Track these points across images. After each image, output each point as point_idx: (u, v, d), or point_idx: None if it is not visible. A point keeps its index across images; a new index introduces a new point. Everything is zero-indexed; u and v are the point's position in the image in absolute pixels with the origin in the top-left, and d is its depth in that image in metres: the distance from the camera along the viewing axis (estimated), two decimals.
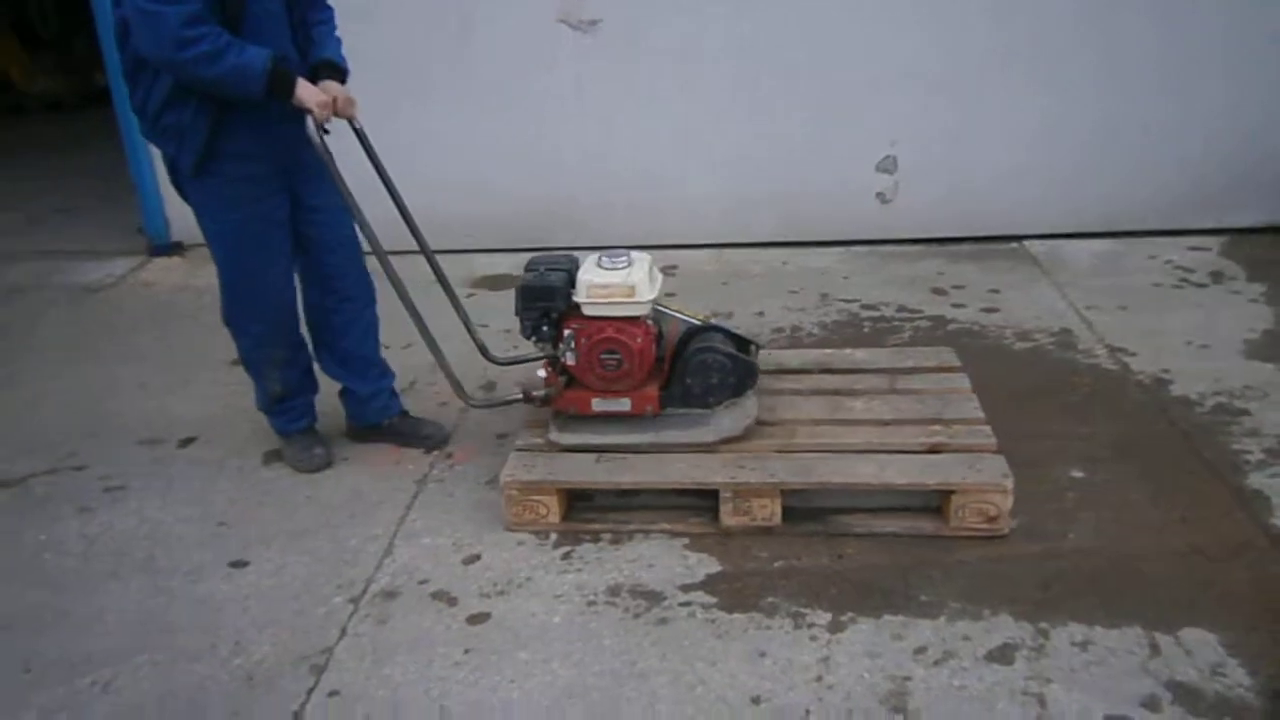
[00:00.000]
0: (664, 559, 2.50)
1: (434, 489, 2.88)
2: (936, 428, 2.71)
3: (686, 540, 2.57)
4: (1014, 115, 4.47)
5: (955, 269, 4.35)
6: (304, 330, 2.98)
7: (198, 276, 4.49)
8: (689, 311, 2.83)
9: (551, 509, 2.63)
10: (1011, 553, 2.45)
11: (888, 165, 4.59)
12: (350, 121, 2.72)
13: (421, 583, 2.47)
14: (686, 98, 4.58)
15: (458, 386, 2.82)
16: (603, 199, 4.73)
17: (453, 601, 2.39)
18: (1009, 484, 2.47)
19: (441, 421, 3.14)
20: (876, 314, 3.93)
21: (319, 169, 2.62)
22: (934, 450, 2.64)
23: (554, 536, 2.62)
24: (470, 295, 4.33)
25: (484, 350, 3.06)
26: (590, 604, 2.36)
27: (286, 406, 3.00)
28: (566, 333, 2.67)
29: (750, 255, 4.63)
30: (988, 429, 2.69)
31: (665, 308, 2.77)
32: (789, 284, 4.28)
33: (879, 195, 4.65)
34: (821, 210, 4.67)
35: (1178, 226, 4.55)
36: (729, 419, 2.73)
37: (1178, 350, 3.45)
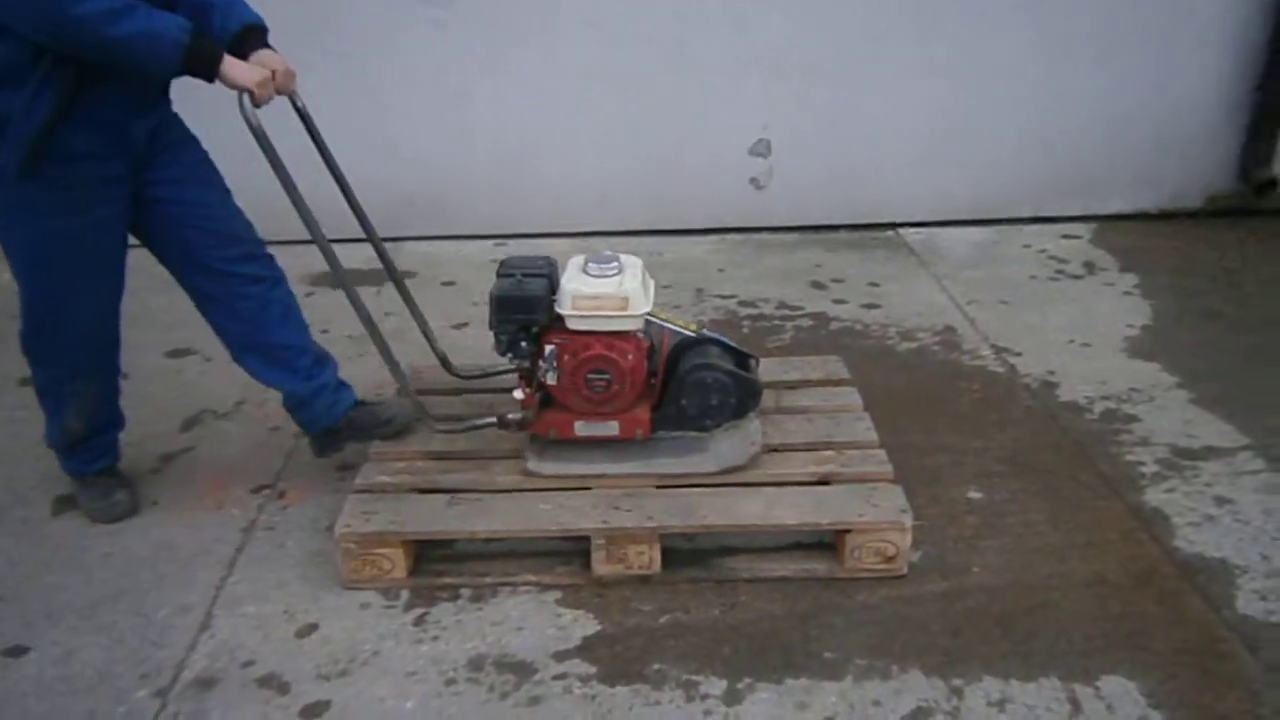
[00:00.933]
0: (534, 619, 2.19)
1: (261, 539, 2.47)
2: (828, 453, 2.48)
3: (558, 594, 2.26)
4: (887, 99, 4.29)
5: (834, 259, 4.16)
6: (118, 356, 2.51)
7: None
8: (679, 321, 2.49)
9: (397, 563, 2.27)
10: (916, 592, 2.25)
11: (761, 149, 4.35)
12: (291, 99, 2.29)
13: (246, 665, 2.07)
14: (548, 76, 4.22)
15: (420, 409, 2.43)
16: (462, 185, 4.34)
17: (284, 688, 2.01)
18: (908, 521, 2.25)
19: (393, 401, 2.66)
20: (756, 311, 3.69)
21: (180, 157, 2.28)
22: (825, 481, 2.40)
23: (404, 595, 2.26)
24: (309, 295, 3.86)
25: (445, 362, 2.69)
26: (449, 683, 2.02)
27: (86, 445, 2.52)
28: (548, 349, 2.31)
29: (620, 245, 4.25)
30: (882, 453, 2.48)
31: (654, 317, 2.41)
32: (662, 277, 3.91)
33: (753, 180, 4.40)
34: (694, 196, 4.40)
35: (1049, 214, 4.49)
36: (729, 445, 2.42)
37: (1061, 349, 3.35)
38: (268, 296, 2.47)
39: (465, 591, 2.27)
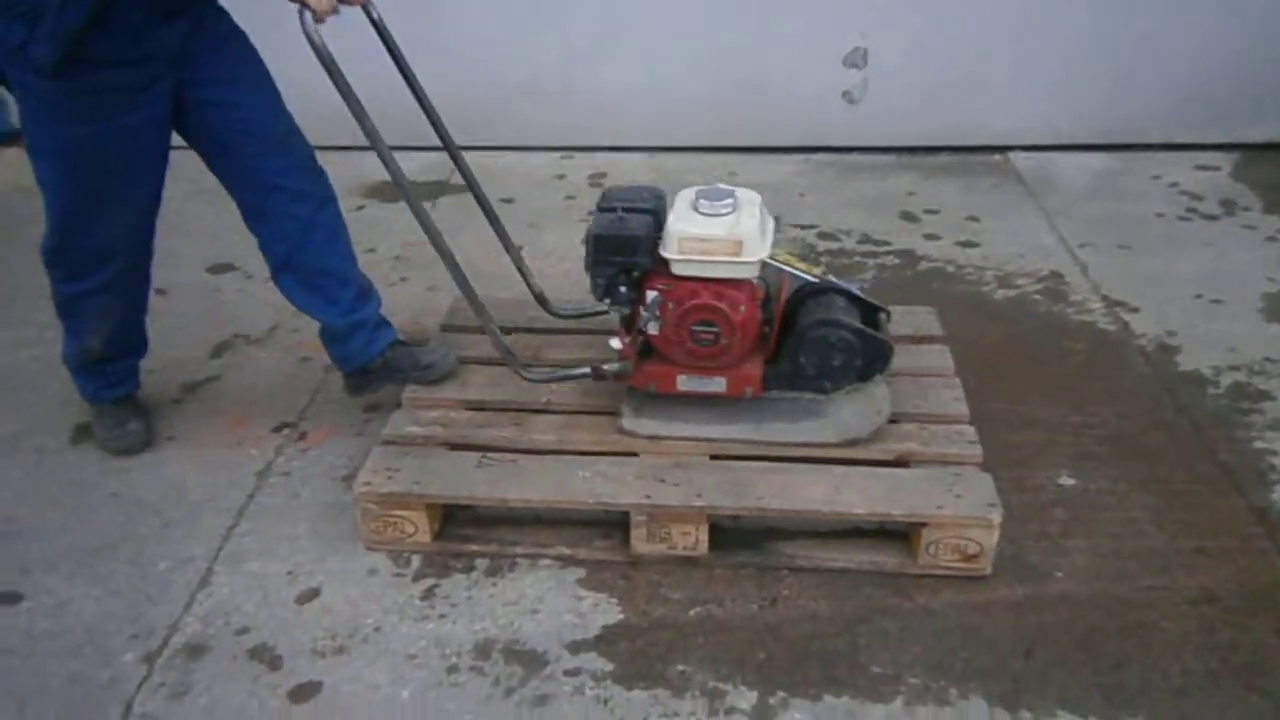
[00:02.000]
0: (552, 600, 1.98)
1: (276, 485, 2.30)
2: (909, 427, 2.17)
3: (582, 573, 2.04)
4: (1000, 4, 3.78)
5: (930, 187, 3.74)
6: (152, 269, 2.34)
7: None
8: (801, 263, 2.20)
9: (420, 526, 2.08)
10: (986, 599, 1.96)
11: (856, 59, 3.90)
12: (365, 9, 2.08)
13: (240, 632, 1.92)
14: None
15: (509, 354, 2.20)
16: (517, 93, 4.00)
17: (275, 663, 1.85)
18: (996, 517, 1.95)
19: (436, 346, 2.40)
20: (837, 245, 3.33)
21: (224, 56, 2.07)
22: (902, 461, 2.11)
23: (415, 563, 2.07)
24: (360, 208, 3.65)
25: (542, 299, 2.47)
26: (451, 670, 1.83)
27: (104, 369, 2.38)
28: (651, 295, 2.06)
29: (691, 162, 3.96)
30: (971, 431, 2.16)
31: (772, 259, 2.12)
32: None
33: (845, 95, 3.97)
34: (777, 110, 3.99)
35: (1183, 140, 3.96)
36: (852, 412, 2.15)
37: (1186, 306, 2.92)
38: (314, 217, 2.25)
39: (483, 562, 2.07)
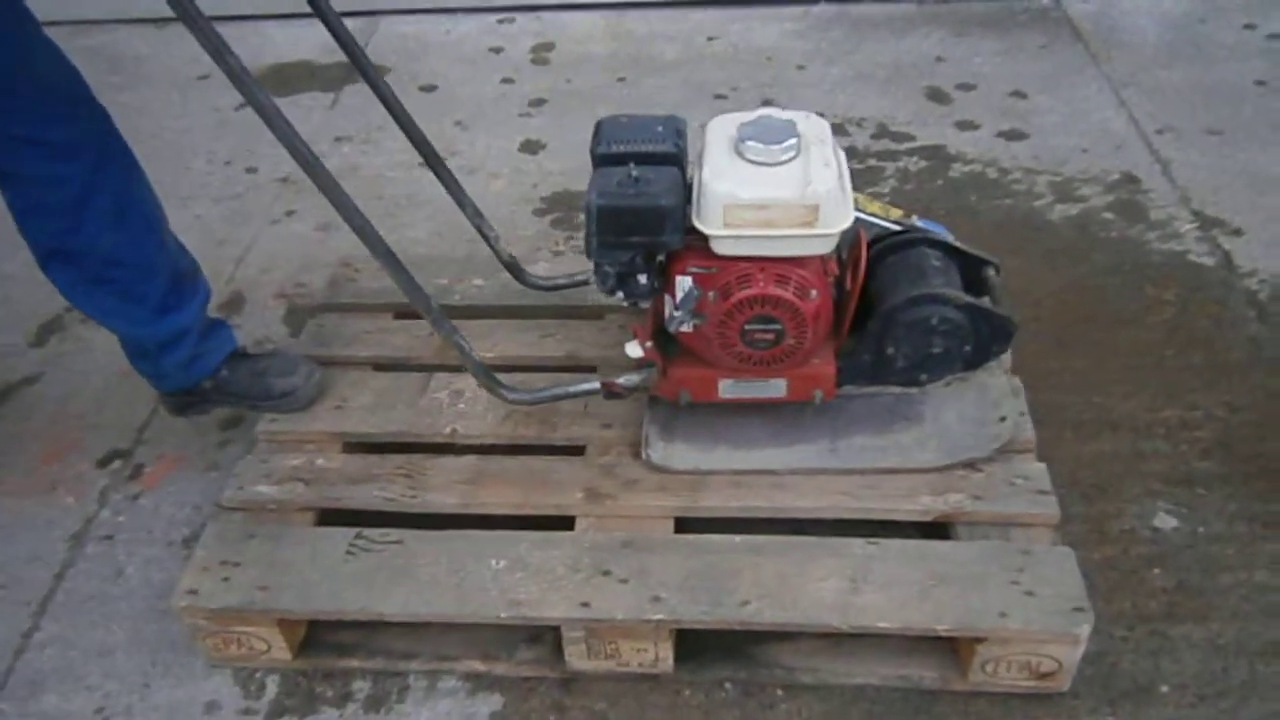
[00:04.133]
0: None
1: (93, 558, 1.70)
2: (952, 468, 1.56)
3: (498, 701, 1.47)
4: None
5: (963, 49, 2.94)
6: None
7: None
8: (875, 203, 1.57)
9: (274, 643, 1.50)
10: None
11: None
12: None
13: None
14: None
15: (486, 375, 1.53)
16: None
17: None
18: (1085, 630, 1.35)
19: (294, 360, 1.74)
20: (846, 142, 2.59)
21: None
22: (945, 523, 1.50)
23: (270, 689, 1.50)
24: (242, 106, 2.87)
25: (514, 267, 1.78)
26: None
27: None
28: (683, 284, 1.43)
29: (661, 23, 3.14)
30: (1040, 471, 1.54)
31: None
32: (716, 79, 2.87)
33: None
34: None
35: None
36: (959, 417, 1.57)
37: None
38: (92, 179, 1.52)
39: (361, 686, 1.49)
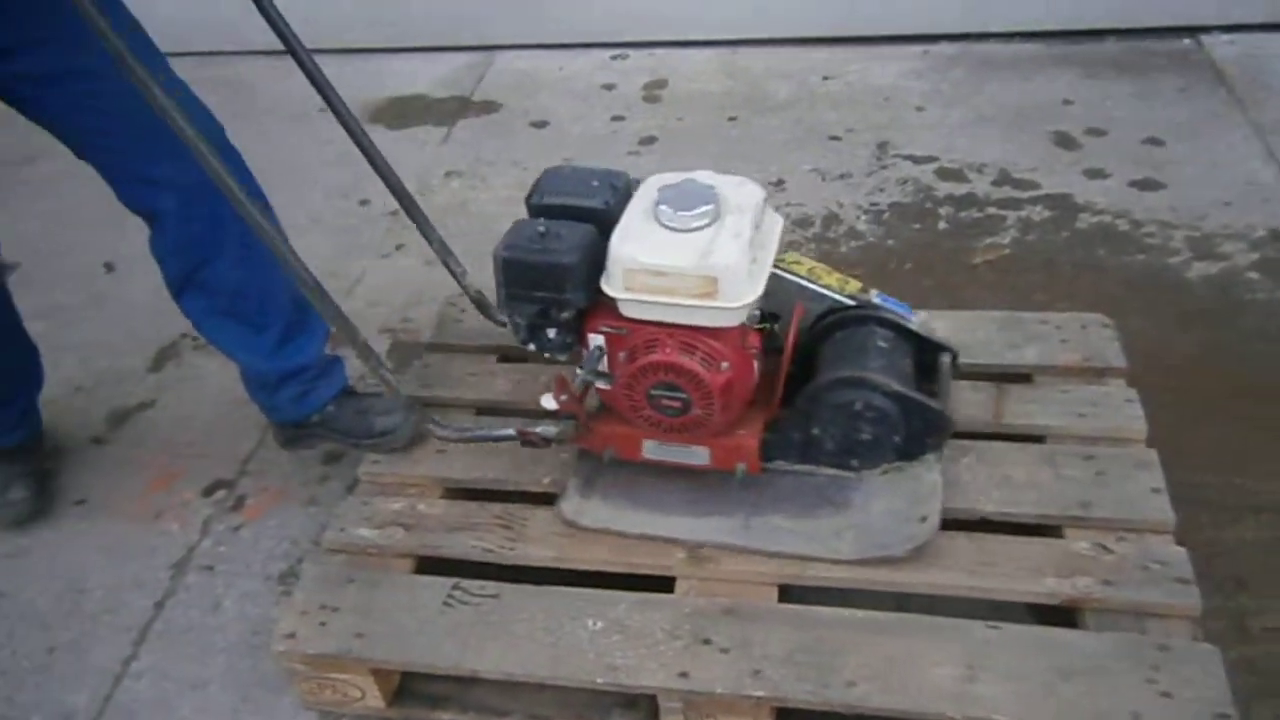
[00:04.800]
0: None
1: (193, 588, 1.72)
2: (1080, 545, 1.45)
3: None
4: None
5: (1093, 91, 2.81)
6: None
7: None
8: (826, 274, 1.54)
9: (368, 691, 1.48)
10: None
11: None
12: None
13: None
14: None
15: (409, 404, 1.53)
16: None
17: None
18: None
19: (397, 405, 1.70)
20: (963, 189, 2.49)
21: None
22: (1072, 610, 1.40)
23: None
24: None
25: (481, 302, 1.76)
26: None
27: None
28: (595, 341, 1.44)
29: (776, 61, 3.10)
30: (1181, 556, 1.42)
31: (780, 266, 1.49)
32: (830, 120, 2.80)
33: None
34: None
35: None
36: (886, 510, 1.49)
37: None
38: (226, 215, 1.50)
39: None
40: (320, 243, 2.52)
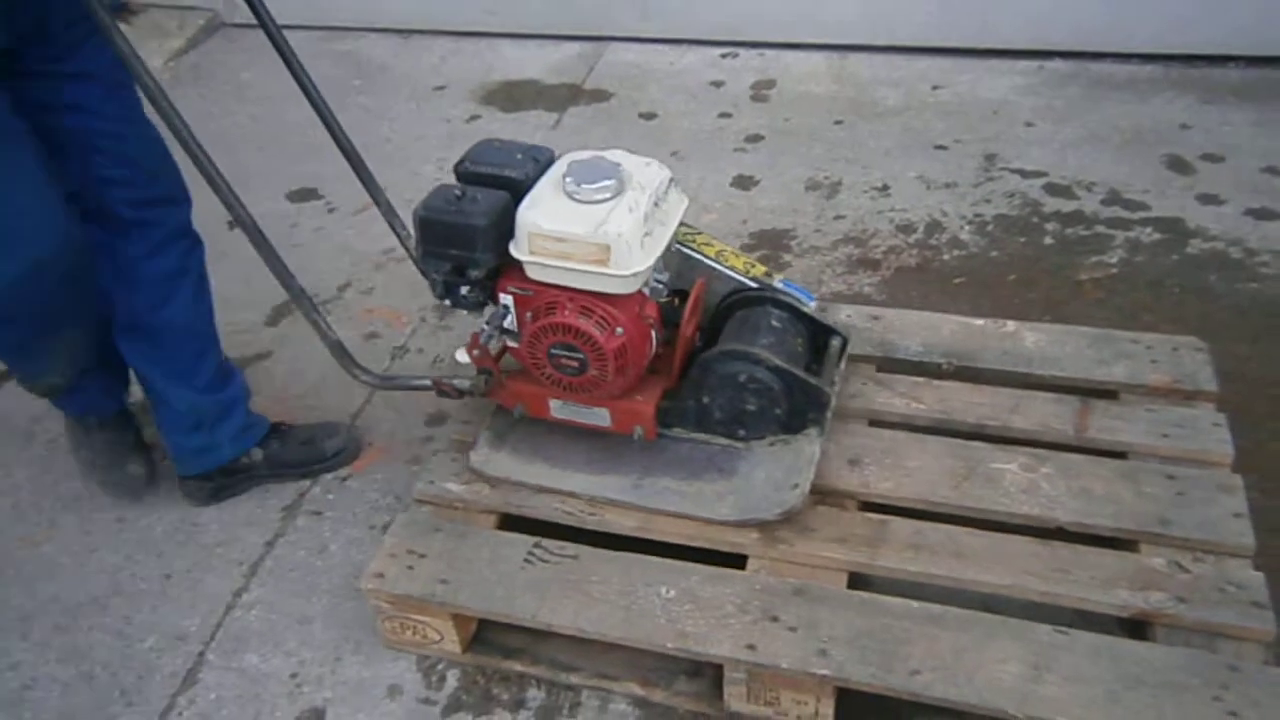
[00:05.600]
0: None
1: (302, 530, 1.84)
2: (1155, 561, 1.46)
3: None
4: None
5: (1212, 117, 2.76)
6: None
7: None
8: (733, 254, 1.66)
9: (446, 635, 1.57)
10: None
11: None
12: None
13: None
14: None
15: (338, 349, 1.65)
16: None
17: None
18: None
19: (331, 426, 1.96)
20: (1071, 206, 2.48)
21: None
22: (1143, 622, 1.41)
23: (450, 682, 1.58)
24: (473, 118, 3.05)
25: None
26: None
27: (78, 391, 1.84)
28: (504, 298, 1.56)
29: (886, 68, 3.11)
30: (1259, 581, 1.42)
31: (690, 246, 1.63)
32: (938, 129, 2.81)
33: None
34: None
35: None
36: (765, 478, 1.58)
37: None
38: (185, 261, 1.75)
39: (534, 696, 1.54)
40: None
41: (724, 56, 3.27)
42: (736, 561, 1.55)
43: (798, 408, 1.59)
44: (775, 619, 1.44)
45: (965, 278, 2.25)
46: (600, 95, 3.11)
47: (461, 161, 1.57)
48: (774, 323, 1.62)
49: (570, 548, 1.58)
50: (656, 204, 1.50)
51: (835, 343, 1.67)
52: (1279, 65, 2.92)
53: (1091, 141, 2.70)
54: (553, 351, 1.54)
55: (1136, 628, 1.42)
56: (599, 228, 1.43)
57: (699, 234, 1.67)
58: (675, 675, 1.54)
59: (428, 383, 1.67)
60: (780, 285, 1.67)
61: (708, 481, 1.60)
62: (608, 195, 1.47)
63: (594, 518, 1.63)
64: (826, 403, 1.60)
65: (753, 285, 1.64)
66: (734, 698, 1.46)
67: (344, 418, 2.06)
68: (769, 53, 3.24)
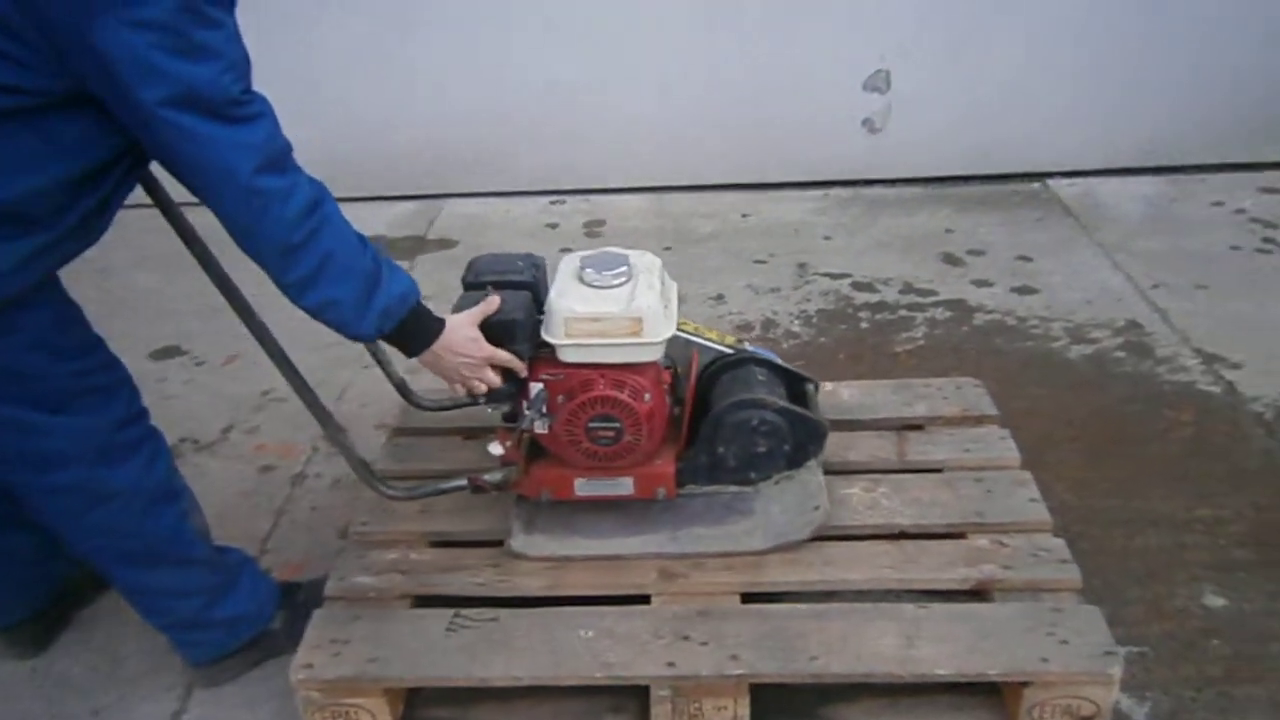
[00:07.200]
0: None
1: None
2: (981, 542, 1.74)
3: None
4: (1031, 20, 3.38)
5: (968, 222, 3.31)
6: None
7: None
8: (711, 332, 1.85)
9: (379, 715, 1.63)
10: None
11: (878, 83, 3.49)
12: None
13: None
14: None
15: (363, 469, 1.71)
16: (510, 131, 3.59)
17: None
18: (1116, 670, 1.51)
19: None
20: (876, 297, 2.89)
21: None
22: (982, 591, 1.67)
23: None
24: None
25: (404, 389, 1.98)
26: None
27: None
28: (535, 389, 1.68)
29: (698, 203, 3.54)
30: (1060, 546, 1.72)
31: (680, 330, 1.79)
32: (753, 248, 3.22)
33: (866, 122, 3.55)
34: (792, 141, 3.58)
35: (1240, 159, 3.54)
36: (783, 509, 1.79)
37: None
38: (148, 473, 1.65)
39: None
40: (309, 358, 2.61)
41: (553, 203, 3.62)
42: (641, 600, 1.71)
43: (800, 442, 1.75)
44: (687, 638, 1.60)
45: (804, 360, 2.58)
46: (446, 243, 3.36)
47: (468, 274, 1.71)
48: (760, 377, 1.79)
49: (489, 612, 1.68)
50: (663, 283, 1.71)
51: (810, 387, 1.86)
52: (1009, 180, 3.56)
53: (879, 247, 3.17)
54: (590, 425, 1.67)
55: (977, 595, 1.67)
56: (630, 304, 1.61)
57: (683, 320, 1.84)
58: (600, 715, 1.65)
59: (462, 483, 1.75)
60: (750, 349, 1.85)
61: (733, 524, 1.78)
62: (624, 279, 1.66)
63: (505, 584, 1.75)
64: (824, 433, 1.77)
65: (730, 351, 1.83)
66: (660, 718, 1.59)
67: (255, 541, 2.10)
68: (593, 197, 3.62)
